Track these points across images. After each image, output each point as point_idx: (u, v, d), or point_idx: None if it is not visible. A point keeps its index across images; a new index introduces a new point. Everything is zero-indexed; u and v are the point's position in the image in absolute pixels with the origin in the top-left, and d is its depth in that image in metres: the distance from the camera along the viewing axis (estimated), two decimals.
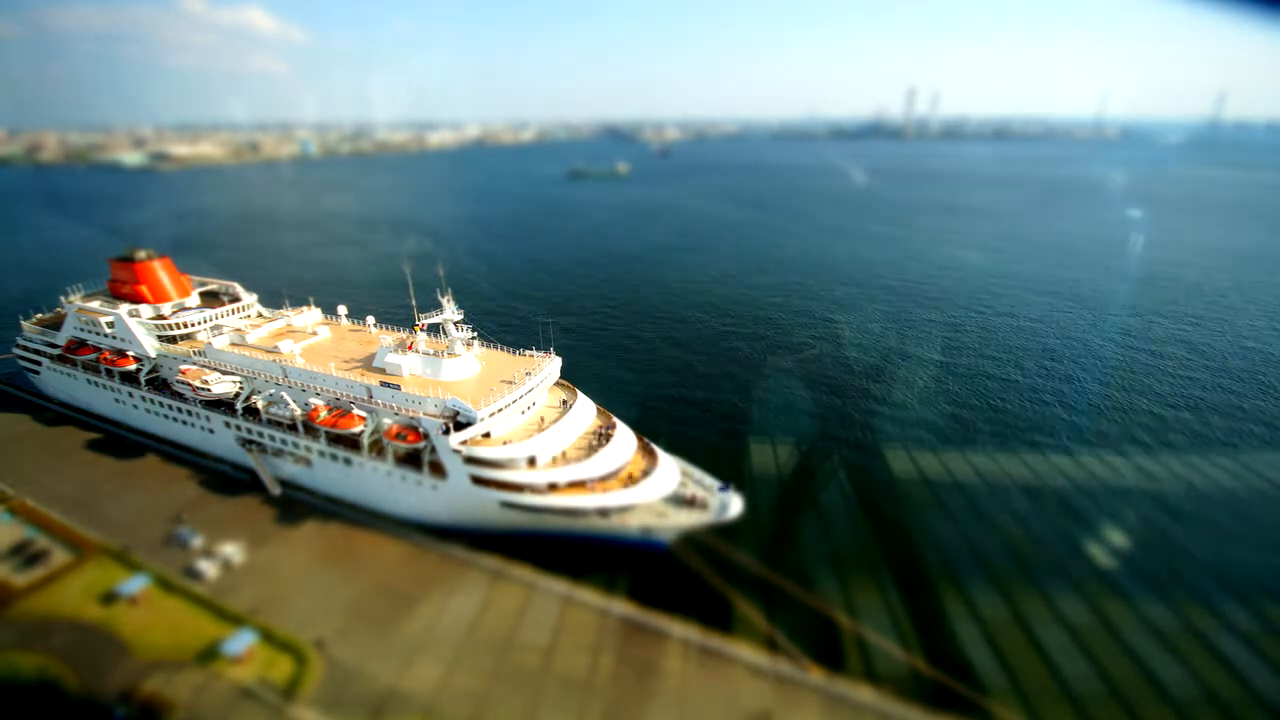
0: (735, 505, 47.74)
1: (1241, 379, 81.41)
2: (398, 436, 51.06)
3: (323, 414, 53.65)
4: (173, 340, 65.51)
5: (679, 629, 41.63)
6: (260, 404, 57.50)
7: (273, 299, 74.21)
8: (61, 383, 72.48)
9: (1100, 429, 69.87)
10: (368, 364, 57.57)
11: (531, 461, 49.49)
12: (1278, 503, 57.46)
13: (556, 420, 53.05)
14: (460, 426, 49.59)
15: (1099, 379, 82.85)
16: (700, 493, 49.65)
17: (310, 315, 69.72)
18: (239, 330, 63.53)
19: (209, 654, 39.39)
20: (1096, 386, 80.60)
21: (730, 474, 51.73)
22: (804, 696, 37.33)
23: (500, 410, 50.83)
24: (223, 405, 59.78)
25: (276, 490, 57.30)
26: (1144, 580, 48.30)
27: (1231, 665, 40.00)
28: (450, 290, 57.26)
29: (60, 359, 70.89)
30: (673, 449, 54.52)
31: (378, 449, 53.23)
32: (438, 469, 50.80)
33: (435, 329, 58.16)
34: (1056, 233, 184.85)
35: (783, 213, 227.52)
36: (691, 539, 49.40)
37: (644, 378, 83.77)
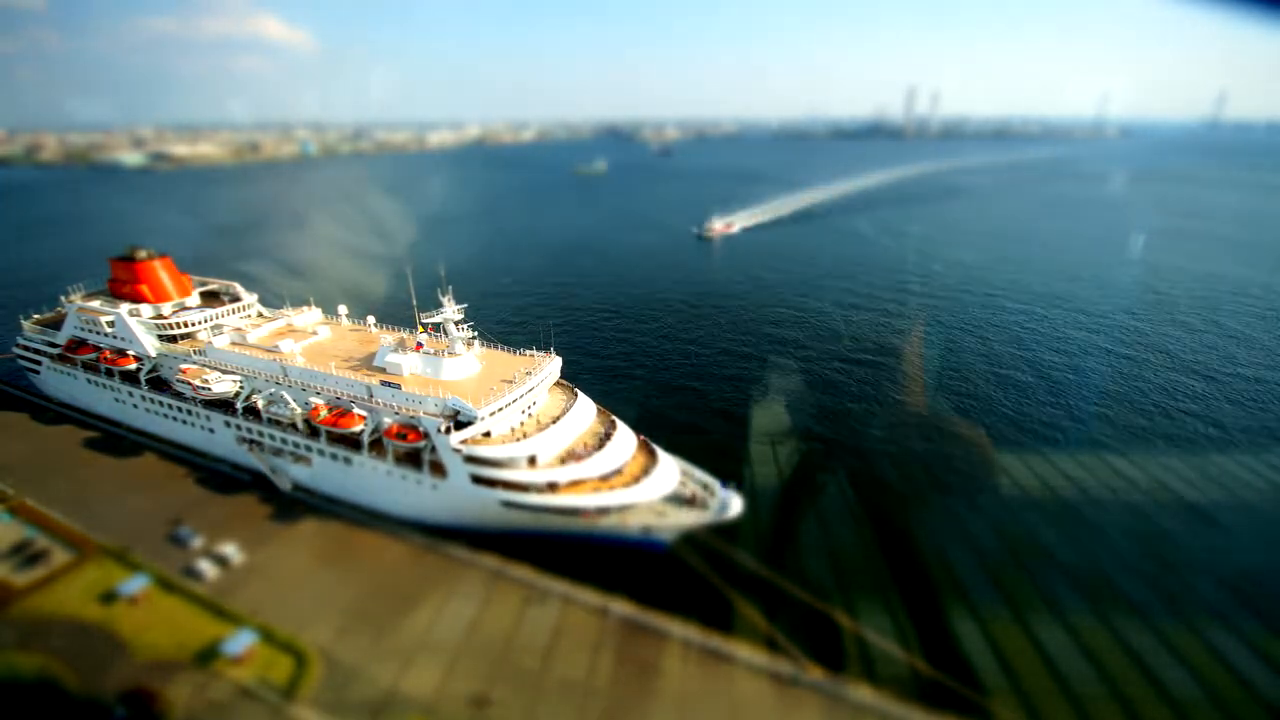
0: (735, 504, 47.74)
1: (1241, 380, 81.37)
2: (398, 436, 51.07)
3: (323, 413, 53.64)
4: (173, 340, 65.48)
5: (679, 629, 41.61)
6: (260, 403, 57.48)
7: (273, 299, 74.22)
8: (61, 382, 72.45)
9: (1100, 429, 69.79)
10: (368, 363, 57.57)
11: (532, 461, 49.49)
12: (1278, 502, 57.43)
13: (557, 419, 53.04)
14: (460, 426, 49.58)
15: (1099, 380, 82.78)
16: (700, 492, 49.67)
17: (310, 315, 69.70)
18: (239, 330, 63.51)
19: (209, 654, 39.38)
20: (1097, 387, 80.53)
21: (730, 474, 51.70)
22: (804, 696, 37.32)
23: (501, 409, 50.82)
24: (223, 405, 59.78)
25: (287, 485, 57.35)
26: (1144, 580, 48.32)
27: (1232, 665, 39.96)
28: (450, 289, 57.27)
29: (60, 358, 70.86)
30: (673, 449, 54.52)
31: (378, 448, 53.24)
32: (438, 468, 50.80)
33: (435, 328, 58.21)
34: (1055, 231, 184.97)
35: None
36: (691, 538, 49.41)
37: (644, 378, 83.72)
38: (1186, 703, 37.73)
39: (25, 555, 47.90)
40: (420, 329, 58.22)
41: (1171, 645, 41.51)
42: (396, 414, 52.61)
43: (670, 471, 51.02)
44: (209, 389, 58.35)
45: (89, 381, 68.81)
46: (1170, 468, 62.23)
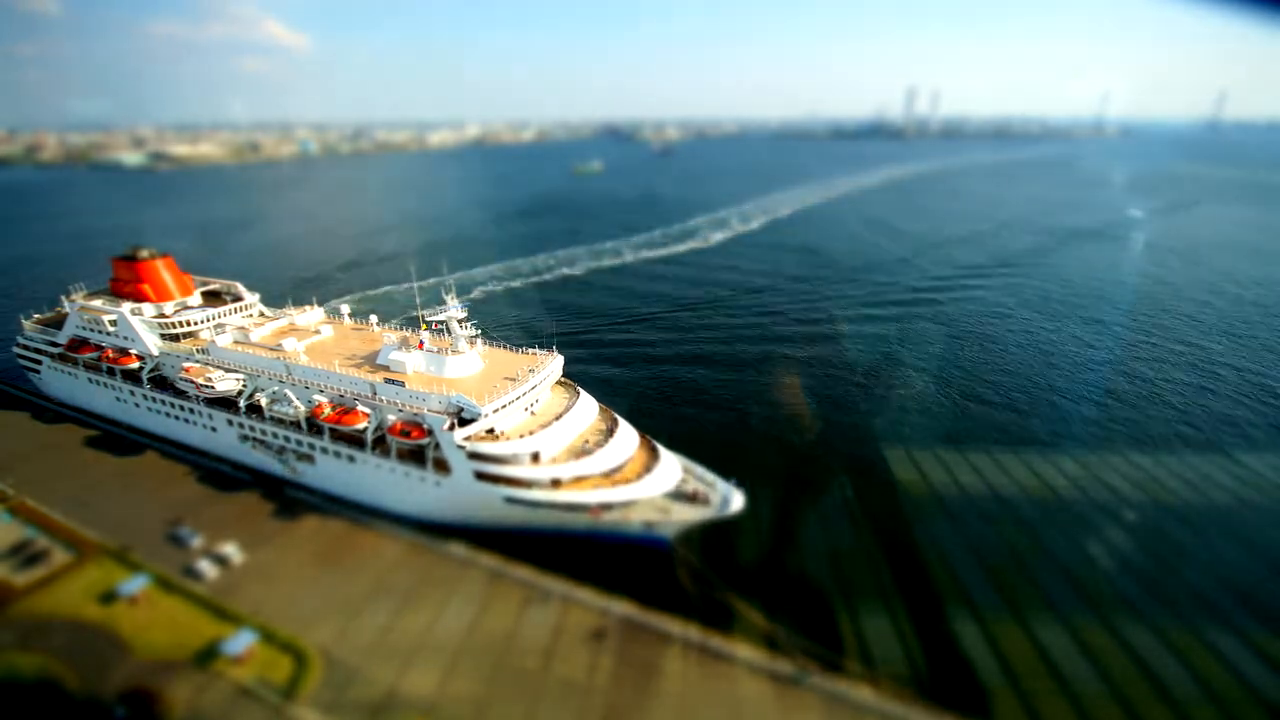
0: (737, 500, 47.80)
1: (1241, 379, 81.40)
2: (401, 433, 51.19)
3: (326, 411, 53.71)
4: (175, 339, 65.55)
5: (679, 629, 41.58)
6: (264, 401, 57.49)
7: (275, 299, 74.28)
8: (62, 382, 72.44)
9: (1101, 430, 69.88)
10: (371, 361, 57.66)
11: (535, 457, 49.57)
12: (1278, 501, 57.47)
13: (560, 416, 53.12)
14: (464, 423, 49.67)
15: (1101, 381, 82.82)
16: (702, 488, 49.73)
17: (313, 314, 69.76)
18: (242, 329, 63.60)
19: (209, 654, 39.36)
20: (1098, 388, 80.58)
21: (731, 472, 51.68)
22: (804, 696, 37.29)
23: (504, 407, 50.94)
24: (225, 403, 59.79)
25: (295, 474, 57.38)
26: (1145, 580, 48.35)
27: (1232, 665, 39.97)
28: (454, 288, 57.38)
29: (61, 358, 70.88)
30: (674, 446, 54.55)
31: (382, 446, 53.28)
32: (441, 465, 50.85)
33: (439, 326, 58.32)
34: (1054, 230, 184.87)
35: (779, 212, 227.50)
36: (693, 537, 49.43)
37: (644, 378, 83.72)
38: (1186, 703, 37.72)
39: (25, 555, 47.87)
40: (424, 327, 58.29)
41: (1171, 645, 41.51)
42: (400, 411, 52.68)
43: (672, 468, 51.10)
44: (212, 387, 58.41)
45: (90, 381, 68.80)
46: (1171, 468, 62.30)
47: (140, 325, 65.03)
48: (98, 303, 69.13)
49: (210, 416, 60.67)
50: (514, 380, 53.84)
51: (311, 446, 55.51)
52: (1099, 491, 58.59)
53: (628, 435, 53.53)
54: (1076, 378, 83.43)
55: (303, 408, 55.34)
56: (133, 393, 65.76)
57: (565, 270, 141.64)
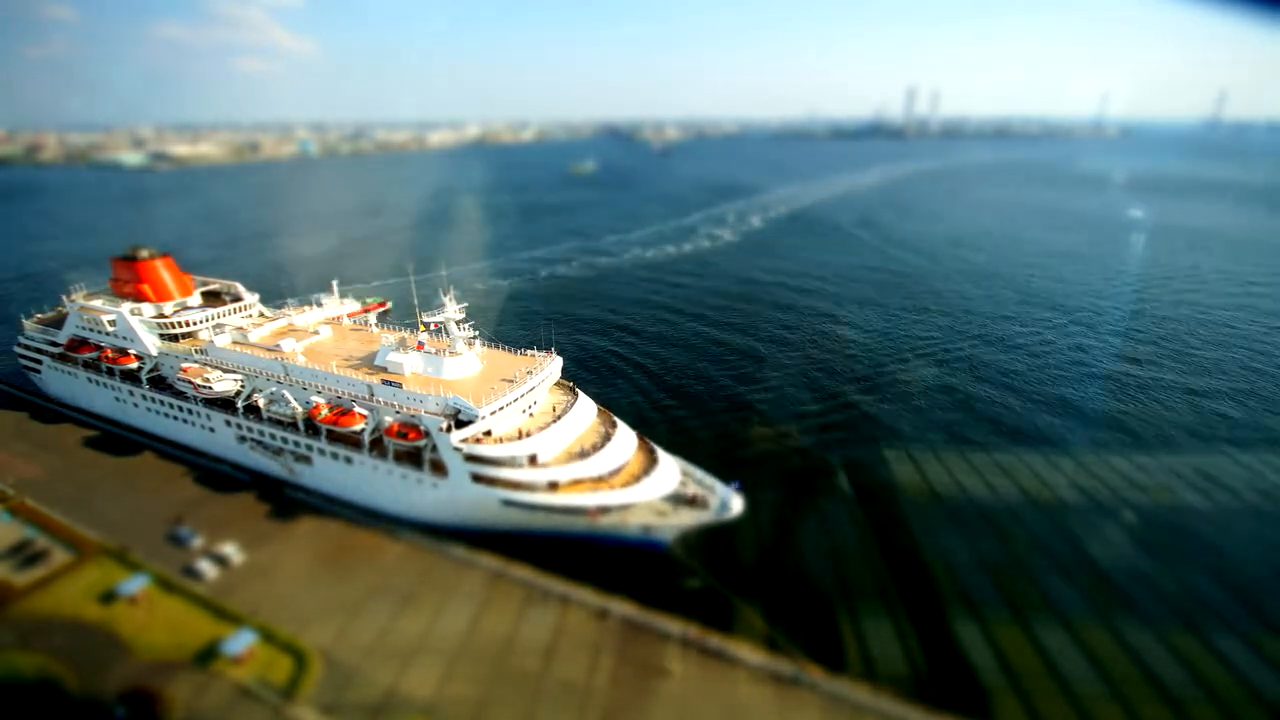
0: (736, 504, 47.71)
1: (1240, 379, 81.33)
2: (399, 434, 51.10)
3: (324, 412, 53.64)
4: (174, 339, 65.55)
5: (679, 629, 41.56)
6: (261, 402, 57.48)
7: (274, 299, 74.25)
8: (62, 381, 72.48)
9: (1101, 430, 69.79)
10: (369, 362, 57.60)
11: (533, 460, 49.52)
12: (1277, 502, 57.43)
13: (558, 418, 53.07)
14: (461, 425, 49.59)
15: (1101, 381, 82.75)
16: (701, 491, 49.65)
17: (312, 314, 69.73)
18: (240, 329, 63.57)
19: (209, 654, 39.36)
20: (1099, 387, 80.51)
21: (730, 474, 51.64)
22: (804, 696, 37.27)
23: (502, 409, 50.85)
24: (224, 404, 59.78)
25: (293, 475, 57.34)
26: (1144, 579, 48.29)
27: (1232, 665, 39.93)
28: (452, 289, 57.33)
29: (61, 357, 70.91)
30: (673, 449, 54.52)
31: (379, 447, 53.25)
32: (439, 467, 50.81)
33: (437, 327, 58.29)
34: (1052, 229, 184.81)
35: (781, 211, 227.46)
36: (692, 538, 49.38)
37: (644, 379, 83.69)
38: (1186, 702, 37.70)
39: (25, 555, 47.88)
40: (422, 328, 58.27)
41: (1171, 645, 41.47)
42: (397, 413, 52.63)
43: (671, 471, 51.04)
44: (210, 388, 58.38)
45: (90, 380, 68.82)
46: (1171, 468, 62.24)
47: (139, 325, 65.03)
48: (97, 303, 69.19)
49: (208, 417, 60.68)
50: (512, 382, 53.77)
51: (309, 448, 55.50)
52: (1099, 491, 58.53)
53: (626, 437, 53.49)
54: (1076, 378, 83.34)
55: (300, 409, 55.31)
56: (131, 393, 65.79)
57: (564, 270, 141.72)
